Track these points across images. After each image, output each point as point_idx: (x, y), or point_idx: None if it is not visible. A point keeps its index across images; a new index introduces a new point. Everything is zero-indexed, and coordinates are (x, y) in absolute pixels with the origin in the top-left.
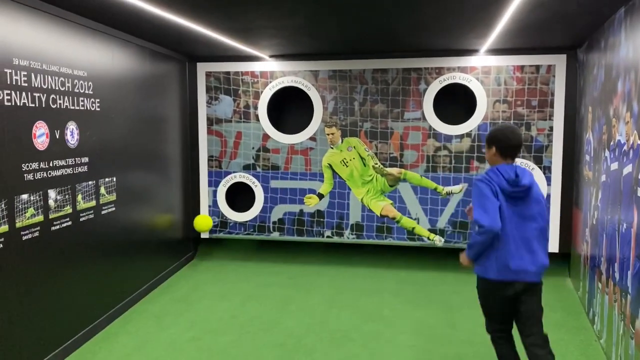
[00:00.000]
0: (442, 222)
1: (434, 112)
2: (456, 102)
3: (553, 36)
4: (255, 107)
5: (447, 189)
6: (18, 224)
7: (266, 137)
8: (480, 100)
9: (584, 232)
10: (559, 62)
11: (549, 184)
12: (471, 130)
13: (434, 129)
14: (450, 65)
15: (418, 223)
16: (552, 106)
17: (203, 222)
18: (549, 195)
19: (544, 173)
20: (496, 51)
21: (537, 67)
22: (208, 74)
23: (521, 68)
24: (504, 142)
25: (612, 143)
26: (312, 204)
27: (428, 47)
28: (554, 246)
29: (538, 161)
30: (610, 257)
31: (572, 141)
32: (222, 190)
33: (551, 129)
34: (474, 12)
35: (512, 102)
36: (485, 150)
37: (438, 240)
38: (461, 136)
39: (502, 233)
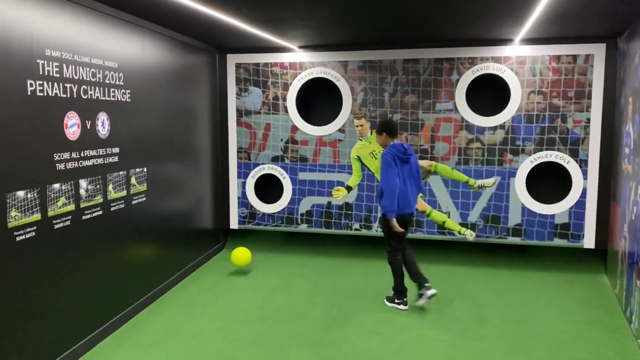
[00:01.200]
0: (474, 216)
1: (466, 103)
2: (489, 93)
3: (592, 24)
4: (284, 99)
5: (479, 182)
6: (50, 213)
7: (295, 128)
8: (515, 91)
9: (622, 227)
10: (598, 51)
11: (585, 178)
12: (505, 122)
13: (466, 121)
14: (484, 55)
15: (449, 217)
16: (589, 97)
17: (242, 255)
18: (584, 190)
19: (580, 166)
20: (531, 40)
21: (575, 57)
22: (238, 66)
23: (557, 58)
24: (391, 129)
25: None
26: (340, 196)
27: (461, 37)
28: (589, 242)
29: (574, 154)
30: None
31: (610, 133)
32: (250, 182)
33: (588, 120)
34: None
35: (547, 93)
36: (377, 136)
37: (469, 235)
38: (494, 128)
39: (401, 185)
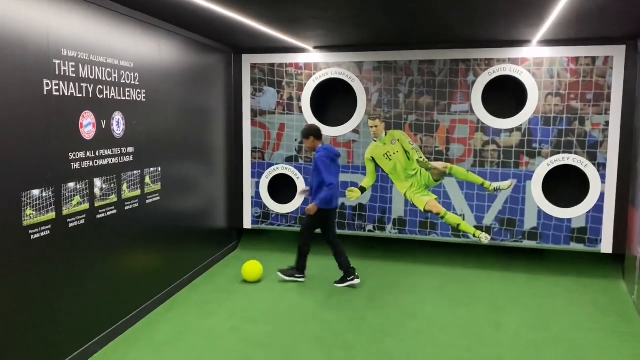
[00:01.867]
0: (489, 219)
1: (482, 104)
2: (506, 95)
3: (611, 26)
4: (299, 99)
5: (495, 184)
6: (65, 212)
7: None
8: (532, 93)
9: None
10: (618, 53)
11: (603, 182)
12: (521, 124)
13: (482, 123)
14: (501, 57)
15: (463, 219)
16: (608, 100)
17: (252, 271)
18: (602, 194)
19: (598, 170)
20: (549, 42)
21: (594, 59)
22: (253, 66)
23: (576, 60)
24: (318, 133)
25: None
26: (354, 197)
27: (477, 38)
28: (607, 247)
29: (592, 157)
30: None
31: (629, 137)
32: (264, 182)
33: (607, 123)
34: (527, 0)
35: (565, 96)
36: (305, 140)
37: (484, 238)
38: (511, 130)
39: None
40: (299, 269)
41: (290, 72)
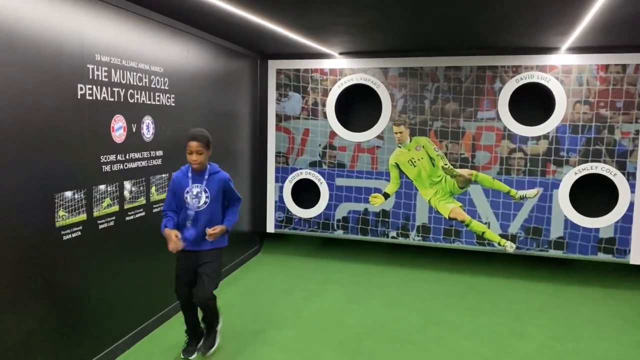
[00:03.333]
0: (515, 227)
1: (509, 112)
2: (533, 102)
3: None
4: (324, 105)
5: (521, 192)
6: (95, 214)
7: (333, 134)
8: (560, 101)
9: None
10: None
11: (632, 191)
12: (549, 132)
13: (508, 130)
14: (528, 64)
15: (489, 227)
16: (638, 108)
17: None
18: (632, 203)
19: (628, 179)
20: (578, 49)
21: (624, 67)
22: (279, 71)
23: (606, 67)
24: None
25: None
26: (377, 203)
27: (505, 45)
28: (636, 258)
29: (621, 167)
30: None
31: None
32: (288, 186)
33: (637, 132)
34: (558, 7)
35: (594, 104)
36: (204, 152)
37: (509, 247)
38: (538, 138)
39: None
40: (203, 336)
41: (316, 77)
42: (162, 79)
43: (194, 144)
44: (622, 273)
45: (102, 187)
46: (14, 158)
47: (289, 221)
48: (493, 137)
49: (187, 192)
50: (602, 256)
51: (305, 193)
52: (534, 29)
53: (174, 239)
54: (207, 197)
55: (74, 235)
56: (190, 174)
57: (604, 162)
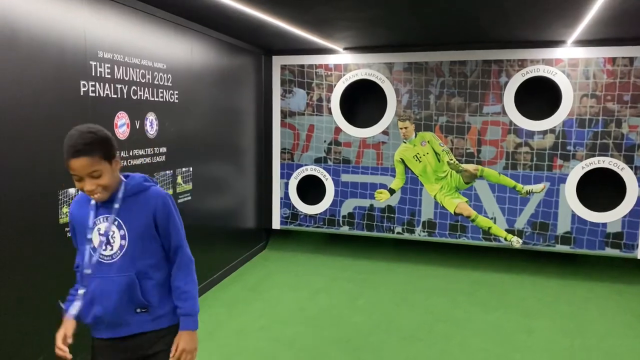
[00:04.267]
0: (521, 222)
1: (515, 106)
2: (539, 97)
3: None
4: (328, 100)
5: (528, 187)
6: None
7: (338, 130)
8: (566, 95)
9: None
10: None
11: None
12: (555, 126)
13: (514, 124)
14: (534, 58)
15: (495, 222)
16: None
17: None
18: (639, 198)
19: (635, 173)
20: (585, 42)
21: (631, 59)
22: (283, 67)
23: (613, 60)
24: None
25: None
26: (382, 199)
27: (510, 39)
28: None
29: (629, 160)
30: None
31: None
32: (293, 183)
33: None
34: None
35: (601, 97)
36: (104, 170)
37: (516, 242)
38: (544, 132)
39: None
40: None
41: (320, 73)
42: (165, 76)
43: (79, 163)
44: (630, 268)
45: None
46: (18, 155)
47: (294, 217)
48: (499, 132)
49: (90, 232)
50: (609, 251)
51: (311, 189)
52: (540, 22)
53: (59, 345)
54: (122, 236)
55: None
56: (92, 201)
57: (611, 156)
